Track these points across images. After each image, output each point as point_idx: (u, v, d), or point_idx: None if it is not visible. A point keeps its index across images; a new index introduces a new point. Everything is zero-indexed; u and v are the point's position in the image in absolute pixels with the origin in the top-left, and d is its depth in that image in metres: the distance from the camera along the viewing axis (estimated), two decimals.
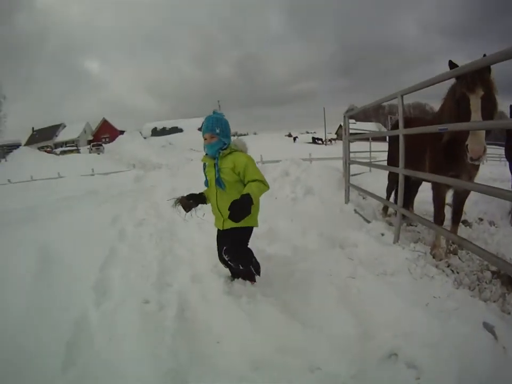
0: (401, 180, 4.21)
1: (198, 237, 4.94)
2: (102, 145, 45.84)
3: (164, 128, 64.23)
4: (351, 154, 7.48)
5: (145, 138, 52.22)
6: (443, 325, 2.49)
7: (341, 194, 6.74)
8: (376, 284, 3.19)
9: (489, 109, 3.17)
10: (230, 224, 3.13)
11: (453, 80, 3.53)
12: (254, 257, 3.44)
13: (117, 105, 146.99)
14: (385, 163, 6.41)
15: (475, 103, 3.14)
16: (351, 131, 7.09)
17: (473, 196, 4.71)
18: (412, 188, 5.26)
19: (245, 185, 3.11)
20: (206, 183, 3.39)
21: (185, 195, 3.44)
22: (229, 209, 2.90)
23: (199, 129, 58.31)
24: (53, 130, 70.72)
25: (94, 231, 5.64)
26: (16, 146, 44.79)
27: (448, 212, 4.30)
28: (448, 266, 3.78)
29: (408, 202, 5.22)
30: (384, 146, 15.85)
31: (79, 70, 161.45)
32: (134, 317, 2.98)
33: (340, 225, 5.17)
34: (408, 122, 4.31)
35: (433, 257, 3.87)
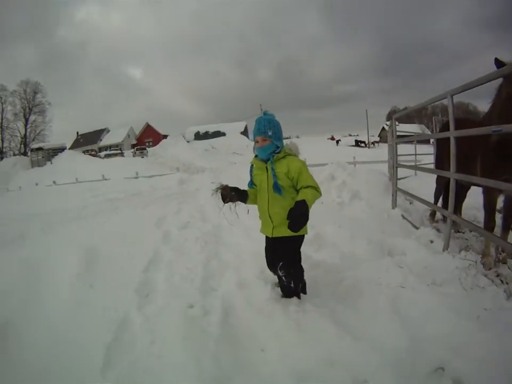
0: (452, 184, 4.02)
1: (245, 243, 4.91)
2: (145, 149, 46.95)
3: (206, 132, 64.88)
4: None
5: (188, 142, 52.97)
6: (494, 339, 2.35)
7: (388, 199, 6.56)
8: (427, 295, 3.03)
9: None
10: (280, 232, 3.02)
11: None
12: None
13: (159, 110, 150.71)
14: (430, 166, 6.14)
15: None
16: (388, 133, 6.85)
17: None
18: (460, 192, 5.02)
19: (297, 191, 2.99)
20: (250, 185, 3.29)
21: (229, 185, 3.24)
22: (288, 218, 2.73)
23: (242, 133, 58.66)
24: (97, 134, 73.25)
25: (138, 233, 5.74)
26: (61, 149, 46.30)
27: (497, 217, 4.06)
28: (497, 276, 3.55)
29: (456, 207, 4.98)
30: (428, 149, 15.40)
31: (122, 77, 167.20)
32: (178, 321, 2.95)
33: (388, 231, 5.04)
34: (458, 124, 4.09)
35: (483, 266, 3.65)
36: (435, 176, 5.69)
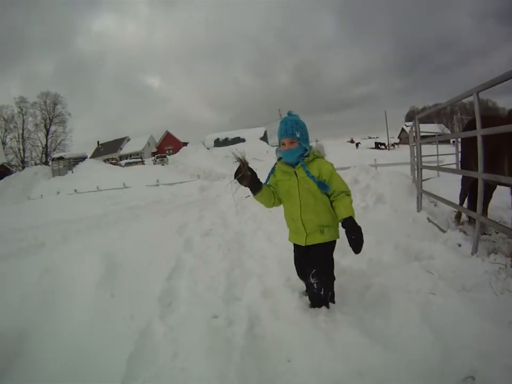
0: (480, 185, 3.90)
1: (268, 249, 4.87)
2: (166, 157, 47.49)
3: (226, 139, 65.27)
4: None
5: (208, 149, 53.37)
6: None
7: (412, 202, 6.43)
8: (457, 301, 2.93)
9: None
10: (314, 240, 2.93)
11: None
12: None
13: (179, 117, 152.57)
14: (452, 167, 5.97)
15: None
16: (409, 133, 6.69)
17: None
18: (486, 192, 4.86)
19: (328, 195, 2.91)
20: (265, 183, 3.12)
21: (251, 168, 2.89)
22: (351, 245, 2.74)
23: (261, 138, 58.81)
24: (117, 143, 74.81)
25: (159, 240, 5.73)
26: (82, 159, 47.20)
27: None
28: None
29: (483, 208, 4.82)
30: (448, 149, 15.09)
31: (140, 86, 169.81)
32: (201, 332, 2.89)
33: (415, 235, 4.88)
34: (484, 121, 3.95)
35: None
36: (458, 176, 5.58)
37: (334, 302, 3.18)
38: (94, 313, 3.40)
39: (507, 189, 4.18)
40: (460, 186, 5.48)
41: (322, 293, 2.97)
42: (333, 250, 3.05)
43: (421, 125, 6.63)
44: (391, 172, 8.44)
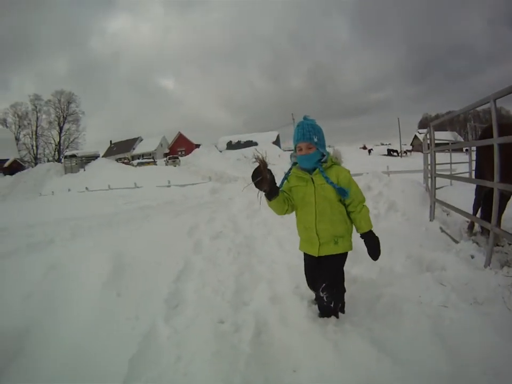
0: (496, 195, 3.83)
1: (278, 254, 4.84)
2: (178, 158, 47.73)
3: (238, 142, 65.27)
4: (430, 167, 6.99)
5: (220, 151, 53.44)
6: None
7: (425, 211, 6.37)
8: (469, 314, 2.88)
9: None
10: (327, 250, 2.84)
11: None
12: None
13: (192, 119, 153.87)
14: (465, 175, 5.88)
15: None
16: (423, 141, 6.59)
17: None
18: (500, 202, 4.77)
19: (344, 204, 2.86)
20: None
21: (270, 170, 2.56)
22: (369, 251, 2.86)
23: (274, 142, 58.79)
24: (130, 143, 75.59)
25: (169, 241, 5.73)
26: (94, 157, 47.69)
27: None
28: None
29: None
30: (461, 157, 14.90)
31: (153, 87, 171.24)
32: (207, 336, 2.86)
33: (427, 245, 4.83)
34: (501, 129, 3.88)
35: None
36: (471, 186, 5.52)
37: (343, 312, 3.11)
38: (99, 313, 3.40)
39: None
40: (474, 196, 5.43)
41: (332, 305, 2.91)
42: (344, 262, 2.98)
43: (435, 132, 6.56)
44: (404, 180, 8.39)
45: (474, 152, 6.53)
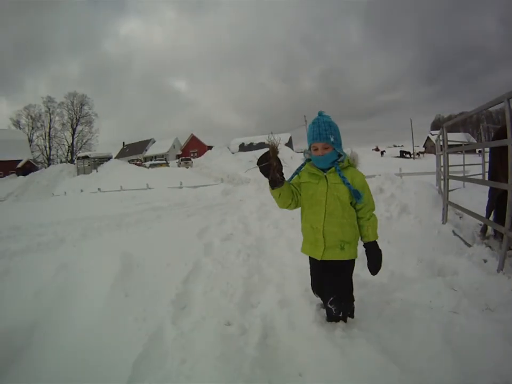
0: (510, 197, 3.71)
1: (288, 257, 4.81)
2: (190, 160, 47.93)
3: (251, 144, 65.18)
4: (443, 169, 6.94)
5: (233, 153, 53.46)
6: None
7: (437, 213, 6.29)
8: (480, 321, 2.81)
9: None
10: (332, 255, 2.72)
11: None
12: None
13: (204, 121, 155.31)
14: (478, 177, 5.80)
15: None
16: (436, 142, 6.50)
17: None
18: None
19: (355, 208, 2.75)
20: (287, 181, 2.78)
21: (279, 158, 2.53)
22: (370, 263, 2.76)
23: (286, 144, 58.70)
24: (143, 145, 76.30)
25: (179, 242, 5.77)
26: (107, 159, 48.27)
27: None
28: None
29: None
30: (474, 159, 14.69)
31: (166, 89, 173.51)
32: (212, 339, 2.84)
33: (439, 248, 4.79)
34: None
35: None
36: (484, 188, 5.44)
37: (352, 317, 3.02)
38: (106, 312, 3.41)
39: None
40: (487, 198, 5.34)
41: (341, 315, 2.85)
42: (353, 271, 2.87)
43: (447, 133, 6.50)
44: (417, 182, 8.32)
45: (488, 154, 6.45)
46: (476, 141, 44.24)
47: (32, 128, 70.72)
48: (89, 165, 45.87)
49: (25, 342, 3.01)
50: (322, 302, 3.16)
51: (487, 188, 5.38)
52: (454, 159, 10.96)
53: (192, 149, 70.84)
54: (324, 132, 2.60)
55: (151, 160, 58.11)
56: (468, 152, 18.30)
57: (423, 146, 70.64)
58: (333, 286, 2.79)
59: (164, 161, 49.12)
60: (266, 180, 2.57)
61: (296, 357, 2.64)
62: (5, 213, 14.82)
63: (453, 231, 5.54)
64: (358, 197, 2.60)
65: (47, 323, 3.28)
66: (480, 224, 5.54)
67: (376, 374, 2.37)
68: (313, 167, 2.76)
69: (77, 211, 11.54)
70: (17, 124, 70.28)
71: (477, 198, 6.22)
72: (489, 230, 5.29)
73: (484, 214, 5.15)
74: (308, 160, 2.83)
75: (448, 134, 6.49)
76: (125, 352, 2.76)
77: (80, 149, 72.14)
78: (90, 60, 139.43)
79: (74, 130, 73.83)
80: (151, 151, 73.72)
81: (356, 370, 2.41)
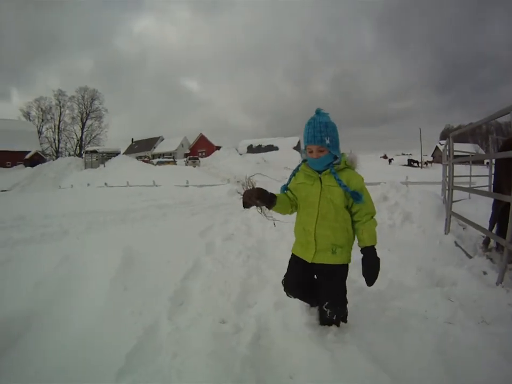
0: None
1: (288, 260, 4.75)
2: (198, 159, 48.09)
3: (259, 146, 65.30)
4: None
5: (241, 154, 53.60)
6: None
7: (440, 223, 6.27)
8: (475, 333, 2.81)
9: None
10: (322, 259, 2.69)
11: None
12: None
13: (214, 121, 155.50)
14: (485, 189, 5.78)
15: None
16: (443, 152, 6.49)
17: None
18: None
19: (350, 212, 2.70)
20: (284, 188, 2.87)
21: (260, 188, 2.65)
22: (365, 271, 2.64)
23: (295, 148, 58.68)
24: (151, 142, 76.57)
25: (182, 240, 5.83)
26: (115, 154, 48.50)
27: None
28: None
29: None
30: (482, 170, 14.63)
31: (177, 87, 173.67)
32: (206, 336, 2.86)
33: (439, 259, 4.78)
34: None
35: None
36: (490, 200, 5.38)
37: (346, 322, 3.03)
38: (105, 305, 3.45)
39: None
40: (491, 210, 5.32)
41: (334, 318, 2.84)
42: (346, 276, 2.83)
43: (455, 144, 6.49)
44: (422, 191, 8.29)
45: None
46: (484, 152, 44.06)
47: (42, 120, 71.36)
48: (97, 159, 46.13)
49: (22, 331, 3.05)
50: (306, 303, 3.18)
51: (492, 200, 5.38)
52: (462, 169, 10.93)
53: (200, 149, 70.89)
54: (319, 134, 2.52)
55: (158, 157, 58.38)
56: (476, 163, 18.20)
57: (432, 155, 70.68)
58: (326, 290, 2.77)
59: (172, 159, 49.26)
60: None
61: (288, 358, 2.64)
62: (9, 203, 14.99)
63: (455, 242, 5.53)
64: (357, 198, 2.56)
65: (46, 314, 3.32)
66: (483, 236, 5.51)
67: (365, 381, 2.36)
68: (308, 168, 2.72)
69: (83, 204, 11.66)
70: (27, 115, 70.82)
71: (482, 210, 6.18)
72: (492, 243, 5.27)
73: (487, 226, 5.16)
74: (304, 160, 2.79)
75: (457, 144, 6.50)
76: (119, 344, 2.79)
77: (88, 143, 72.61)
78: (103, 56, 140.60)
79: (83, 124, 74.37)
80: (159, 148, 74.14)
81: (346, 377, 2.40)
